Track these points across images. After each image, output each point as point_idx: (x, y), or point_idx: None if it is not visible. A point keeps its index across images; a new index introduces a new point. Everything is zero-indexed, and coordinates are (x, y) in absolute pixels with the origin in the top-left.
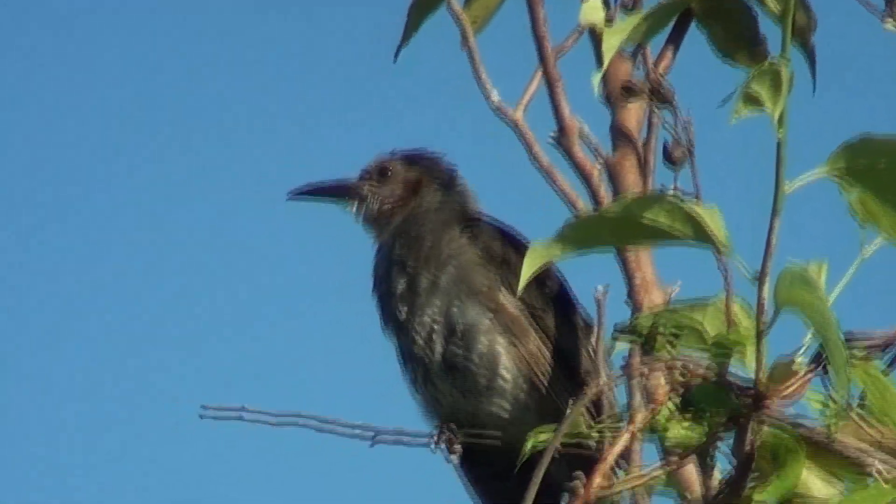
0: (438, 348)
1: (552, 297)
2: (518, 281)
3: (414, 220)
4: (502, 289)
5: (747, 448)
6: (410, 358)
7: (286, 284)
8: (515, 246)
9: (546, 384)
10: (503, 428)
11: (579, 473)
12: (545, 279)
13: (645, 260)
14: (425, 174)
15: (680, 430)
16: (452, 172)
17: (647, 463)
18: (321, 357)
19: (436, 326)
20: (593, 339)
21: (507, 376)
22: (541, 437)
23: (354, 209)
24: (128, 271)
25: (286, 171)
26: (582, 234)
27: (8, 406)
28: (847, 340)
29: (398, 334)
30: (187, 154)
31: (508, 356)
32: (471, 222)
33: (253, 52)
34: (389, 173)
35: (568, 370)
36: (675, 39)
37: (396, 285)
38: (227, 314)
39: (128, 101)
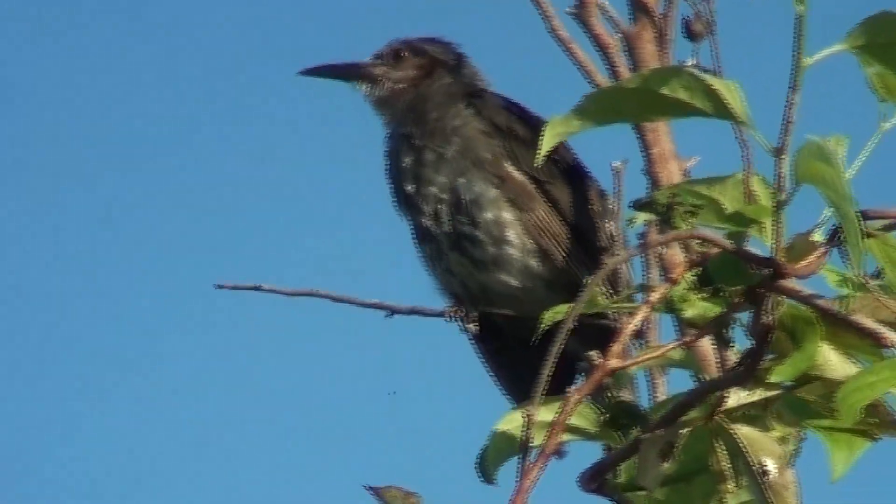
0: (446, 221)
1: (561, 169)
2: (525, 151)
3: (422, 98)
4: (508, 159)
5: (765, 323)
6: (422, 234)
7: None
8: (521, 117)
9: (559, 254)
10: (516, 299)
11: (594, 351)
12: (553, 151)
13: (663, 133)
14: (436, 57)
15: (697, 306)
16: (462, 56)
17: (664, 339)
18: (336, 240)
19: (442, 198)
20: (610, 212)
21: (516, 245)
22: (558, 311)
23: (366, 90)
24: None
25: (288, 51)
26: (600, 106)
27: None
28: (864, 217)
29: (409, 210)
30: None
31: (516, 226)
32: (475, 95)
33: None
34: (403, 56)
35: (581, 241)
36: None
37: (403, 160)
38: (242, 196)
39: (111, 96)
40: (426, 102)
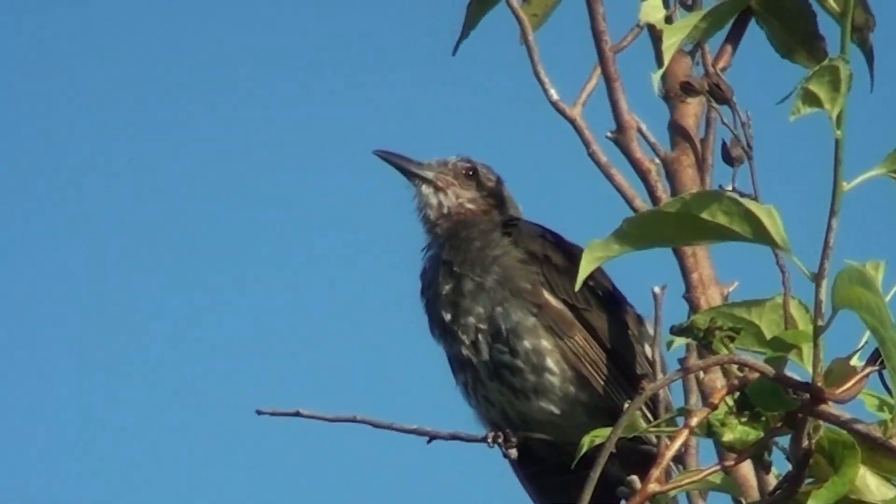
0: (485, 350)
1: (598, 295)
2: (561, 278)
3: (466, 225)
4: (545, 287)
5: (804, 447)
6: (459, 364)
7: (341, 289)
8: (556, 244)
9: (598, 381)
10: (555, 426)
11: (634, 475)
12: (589, 277)
13: (702, 258)
14: (499, 195)
15: (737, 430)
16: (505, 191)
17: (704, 463)
18: (377, 365)
19: (481, 328)
20: (649, 337)
21: (555, 373)
22: (598, 435)
23: (426, 194)
24: (185, 281)
25: (351, 165)
26: (640, 231)
27: (54, 411)
28: None
29: (445, 338)
30: (232, 157)
31: (554, 354)
32: (511, 224)
33: (312, 42)
34: (475, 178)
35: (619, 366)
36: (734, 37)
37: (443, 288)
38: (282, 320)
39: (159, 96)
40: (470, 230)
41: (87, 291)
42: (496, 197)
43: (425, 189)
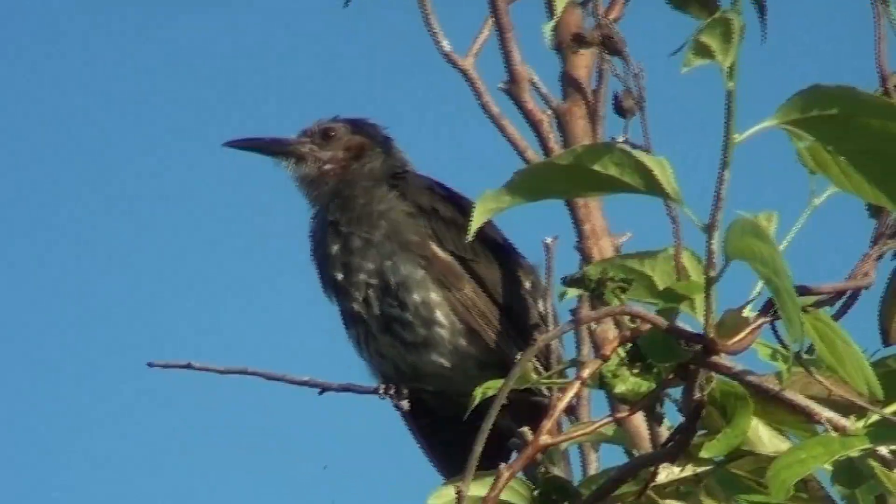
0: (375, 305)
1: (488, 247)
2: (449, 230)
3: (348, 183)
4: (433, 239)
5: (696, 399)
6: (351, 319)
7: (230, 245)
8: (444, 196)
9: (488, 333)
10: (446, 378)
11: (526, 427)
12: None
13: (594, 208)
14: (368, 140)
15: (629, 382)
16: (389, 138)
17: (596, 415)
18: (268, 318)
19: (371, 283)
20: (540, 289)
21: (445, 325)
22: (489, 387)
23: (291, 168)
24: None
25: (227, 116)
26: (532, 182)
27: None
28: (799, 293)
29: (337, 296)
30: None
31: (444, 306)
32: (398, 177)
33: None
34: (332, 136)
35: (511, 319)
36: None
37: (331, 248)
38: (174, 276)
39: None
40: (353, 187)
41: None
42: (363, 148)
43: (289, 164)
